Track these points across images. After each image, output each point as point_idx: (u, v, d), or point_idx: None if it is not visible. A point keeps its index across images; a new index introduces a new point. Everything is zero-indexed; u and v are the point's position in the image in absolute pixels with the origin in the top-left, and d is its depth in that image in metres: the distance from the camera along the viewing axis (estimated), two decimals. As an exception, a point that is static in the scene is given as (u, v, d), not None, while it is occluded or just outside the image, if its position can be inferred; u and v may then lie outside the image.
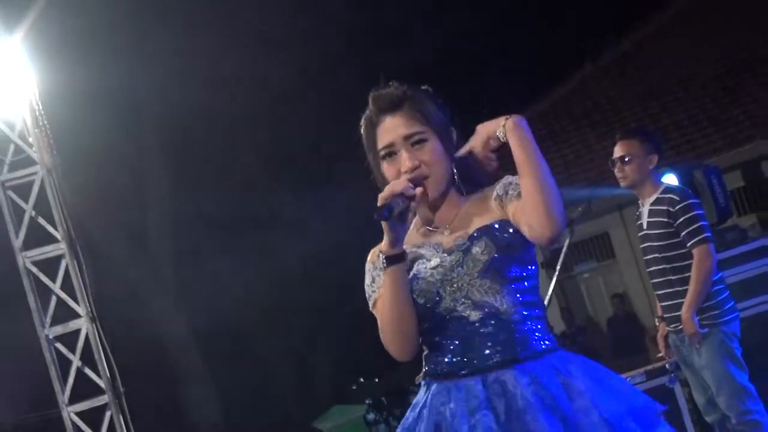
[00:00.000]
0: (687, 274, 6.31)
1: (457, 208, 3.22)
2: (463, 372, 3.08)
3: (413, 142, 3.10)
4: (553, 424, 2.93)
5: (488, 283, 3.08)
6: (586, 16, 25.77)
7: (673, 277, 6.39)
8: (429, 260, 3.14)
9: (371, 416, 18.50)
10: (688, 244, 6.26)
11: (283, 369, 22.86)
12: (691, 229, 6.25)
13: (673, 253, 6.37)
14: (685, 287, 6.30)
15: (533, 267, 3.17)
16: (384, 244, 3.07)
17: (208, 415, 21.34)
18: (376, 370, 22.97)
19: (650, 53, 20.55)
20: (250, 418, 20.29)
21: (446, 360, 3.12)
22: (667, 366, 7.34)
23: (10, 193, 8.45)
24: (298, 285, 22.29)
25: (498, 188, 3.13)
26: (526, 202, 3.02)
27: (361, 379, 24.42)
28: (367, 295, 3.24)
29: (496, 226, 3.11)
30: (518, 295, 3.11)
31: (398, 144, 3.11)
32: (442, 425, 3.05)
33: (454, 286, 3.09)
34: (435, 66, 24.06)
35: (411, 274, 3.14)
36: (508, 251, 3.09)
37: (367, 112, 3.21)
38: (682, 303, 6.30)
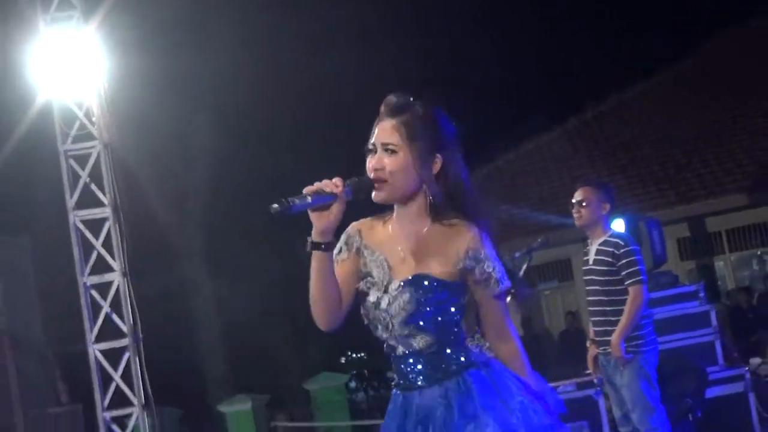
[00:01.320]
0: (621, 307, 6.42)
1: (420, 228, 3.11)
2: (413, 389, 3.13)
3: (386, 149, 3.03)
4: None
5: (407, 330, 3.05)
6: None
7: (608, 308, 6.49)
8: (374, 287, 3.09)
9: (353, 384, 18.54)
10: (626, 283, 6.40)
11: (286, 337, 22.75)
12: (630, 270, 6.39)
13: (612, 288, 6.48)
14: (617, 317, 6.41)
15: (455, 309, 3.05)
16: (314, 230, 2.97)
17: (216, 367, 21.20)
18: (363, 347, 23.03)
19: (629, 113, 20.60)
20: (252, 375, 20.18)
21: (398, 378, 3.18)
22: (594, 381, 7.41)
23: (71, 162, 8.52)
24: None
25: (468, 260, 3.01)
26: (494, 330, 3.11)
27: (350, 353, 24.45)
28: None
29: (434, 284, 3.03)
30: (436, 333, 3.06)
31: (378, 145, 3.05)
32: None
33: (383, 327, 3.09)
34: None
35: (360, 284, 3.10)
36: (434, 304, 3.03)
37: (381, 108, 3.15)
38: (612, 330, 6.40)
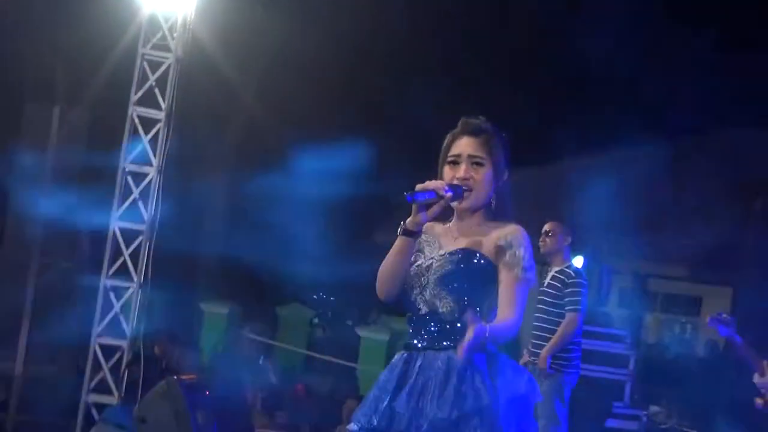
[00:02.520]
0: (557, 328, 6.44)
1: (477, 226, 3.19)
2: (417, 348, 3.17)
3: (473, 162, 3.15)
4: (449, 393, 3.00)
5: (439, 290, 3.10)
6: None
7: (547, 326, 6.56)
8: (421, 257, 3.18)
9: (316, 320, 18.49)
10: (566, 308, 6.42)
11: (272, 264, 22.45)
12: (572, 299, 6.47)
13: (555, 310, 6.55)
14: (551, 336, 6.44)
15: (483, 291, 3.11)
16: (409, 219, 3.08)
17: (214, 269, 20.89)
18: (335, 293, 22.93)
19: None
20: (239, 286, 19.96)
21: (410, 335, 3.22)
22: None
23: (144, 64, 8.44)
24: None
25: (504, 241, 3.08)
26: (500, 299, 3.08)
27: (322, 294, 24.39)
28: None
29: (481, 260, 3.10)
30: (454, 303, 3.09)
31: (463, 158, 3.17)
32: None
33: (423, 282, 3.14)
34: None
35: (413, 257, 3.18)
36: (461, 277, 3.09)
37: (455, 129, 3.25)
38: (544, 344, 6.45)
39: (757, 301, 6.63)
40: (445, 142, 3.26)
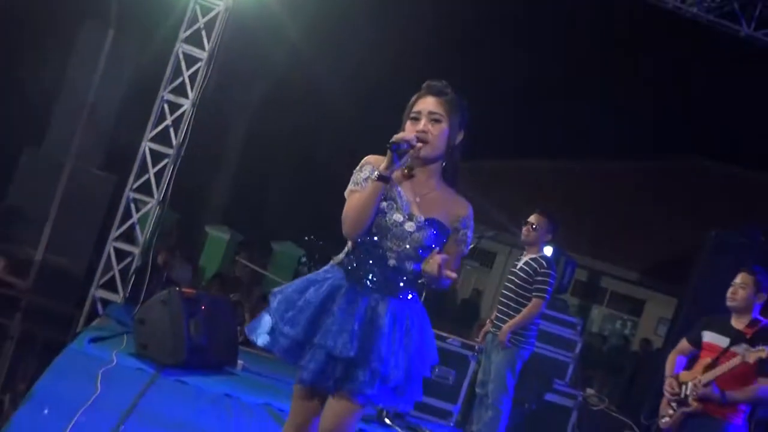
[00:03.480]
0: (521, 308, 6.48)
1: (432, 184, 3.25)
2: (368, 287, 3.19)
3: (432, 118, 3.18)
4: (390, 329, 3.13)
5: (411, 253, 3.17)
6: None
7: (512, 304, 6.56)
8: (394, 211, 3.17)
9: (304, 260, 18.50)
10: (532, 293, 6.43)
11: (288, 204, 22.29)
12: (539, 286, 6.48)
13: (522, 292, 6.56)
14: (515, 314, 6.48)
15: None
16: (383, 166, 3.07)
17: (225, 196, 20.82)
18: (326, 238, 22.94)
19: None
20: (246, 217, 19.82)
21: (362, 273, 3.20)
22: (476, 347, 7.46)
23: (197, 6, 8.35)
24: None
25: (460, 223, 3.26)
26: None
27: (312, 237, 24.35)
28: (352, 182, 3.22)
29: (446, 230, 3.23)
30: (416, 266, 3.18)
31: (423, 114, 3.19)
32: (329, 298, 3.17)
33: (395, 242, 3.17)
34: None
35: (382, 203, 3.16)
36: (437, 244, 3.19)
37: (421, 89, 3.27)
38: (507, 320, 6.45)
39: (698, 315, 6.62)
40: (411, 100, 3.28)
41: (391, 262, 3.16)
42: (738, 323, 5.30)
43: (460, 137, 3.25)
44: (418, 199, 3.20)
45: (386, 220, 3.14)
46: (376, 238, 3.17)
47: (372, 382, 3.05)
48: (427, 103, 3.21)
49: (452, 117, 3.20)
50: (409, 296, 3.22)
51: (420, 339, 3.19)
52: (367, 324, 3.10)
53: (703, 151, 20.82)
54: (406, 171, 3.23)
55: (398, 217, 3.15)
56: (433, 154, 3.19)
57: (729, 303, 5.35)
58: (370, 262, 3.18)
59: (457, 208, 3.25)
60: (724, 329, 5.34)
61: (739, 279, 5.36)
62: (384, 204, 3.15)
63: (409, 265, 3.17)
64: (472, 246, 3.30)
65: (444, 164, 3.26)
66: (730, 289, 5.35)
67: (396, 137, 3.06)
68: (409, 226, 3.14)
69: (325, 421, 3.16)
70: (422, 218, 3.16)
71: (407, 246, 3.14)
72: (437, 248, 3.15)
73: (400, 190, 3.19)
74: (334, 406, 3.13)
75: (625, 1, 9.62)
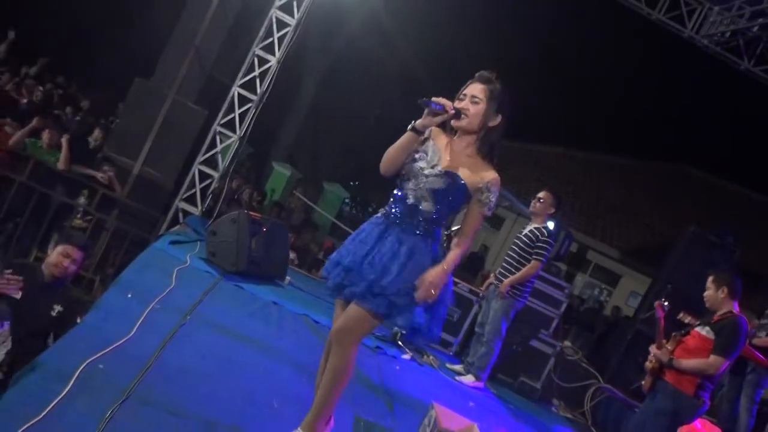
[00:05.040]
0: (521, 267, 6.46)
1: (469, 151, 3.30)
2: (393, 221, 3.30)
3: (473, 101, 3.26)
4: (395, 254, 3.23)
5: (428, 195, 3.23)
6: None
7: (514, 263, 6.56)
8: (422, 161, 3.27)
9: (347, 200, 18.58)
10: (532, 256, 6.41)
11: (330, 151, 22.22)
12: (538, 251, 6.45)
13: (523, 254, 6.55)
14: (515, 271, 6.47)
15: (449, 211, 3.27)
16: (419, 120, 3.20)
17: (296, 139, 20.64)
18: (367, 187, 22.97)
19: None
20: (307, 158, 19.75)
21: (391, 209, 3.33)
22: (480, 294, 7.46)
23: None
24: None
25: (483, 188, 3.23)
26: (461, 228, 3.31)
27: (357, 182, 24.41)
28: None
29: (461, 183, 3.23)
30: (433, 208, 3.23)
31: (468, 96, 3.29)
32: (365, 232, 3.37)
33: (414, 183, 3.27)
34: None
35: (415, 153, 3.29)
36: (446, 197, 3.23)
37: (474, 76, 3.33)
38: (508, 275, 6.45)
39: (668, 294, 6.56)
40: (465, 84, 3.34)
41: (410, 200, 3.25)
42: (716, 315, 5.26)
43: (495, 120, 3.28)
44: (448, 157, 3.28)
45: (413, 166, 3.26)
46: (404, 180, 3.29)
47: (368, 291, 3.17)
48: (473, 89, 3.28)
49: (490, 103, 3.25)
50: (419, 232, 3.24)
51: (414, 269, 3.20)
52: (380, 248, 3.24)
53: (689, 161, 20.58)
54: (451, 135, 3.33)
55: (423, 164, 3.26)
56: (468, 127, 3.26)
57: (706, 304, 5.35)
58: (397, 199, 3.30)
59: (482, 173, 3.24)
60: (704, 317, 5.35)
61: (707, 283, 5.35)
62: (417, 154, 3.27)
63: (425, 206, 3.23)
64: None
65: (481, 138, 3.29)
66: (706, 294, 5.34)
67: (434, 99, 3.19)
68: (428, 172, 3.23)
69: (337, 321, 3.33)
70: (441, 169, 3.23)
71: (421, 187, 3.23)
72: (455, 201, 3.23)
73: (435, 146, 3.30)
74: (346, 310, 3.28)
75: (645, 24, 9.36)
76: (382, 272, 3.15)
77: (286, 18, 8.28)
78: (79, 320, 4.76)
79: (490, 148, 3.29)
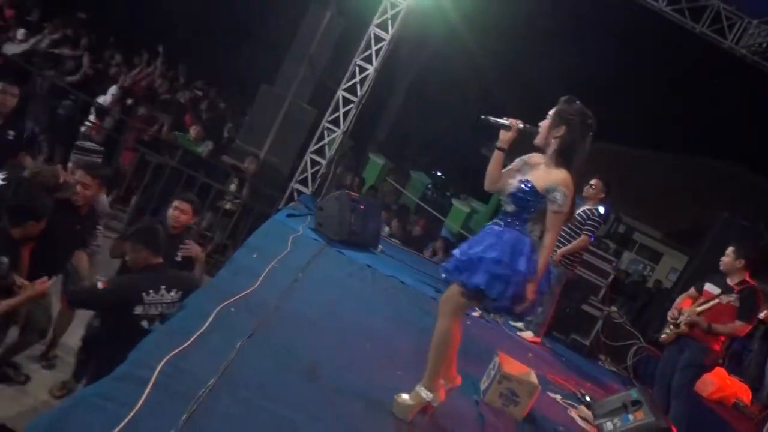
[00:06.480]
0: (572, 240, 6.31)
1: (545, 160, 3.19)
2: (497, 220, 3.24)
3: (545, 119, 3.19)
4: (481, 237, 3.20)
5: (508, 199, 3.19)
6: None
7: (567, 237, 6.41)
8: (518, 174, 3.21)
9: (429, 186, 18.39)
10: (583, 231, 6.26)
11: (420, 143, 21.88)
12: (588, 227, 6.28)
13: (576, 229, 6.39)
14: (568, 243, 6.31)
15: (526, 210, 3.13)
16: (500, 139, 3.20)
17: (388, 130, 20.60)
18: (448, 181, 22.58)
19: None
20: (389, 152, 19.61)
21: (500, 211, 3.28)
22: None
23: (388, 3, 8.22)
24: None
25: (549, 189, 3.09)
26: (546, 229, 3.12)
27: (441, 174, 24.05)
28: None
29: (529, 186, 3.13)
30: (515, 209, 3.15)
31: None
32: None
33: (505, 191, 3.23)
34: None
35: (519, 170, 3.25)
36: (520, 198, 3.13)
37: None
38: (561, 247, 6.34)
39: (702, 271, 6.33)
40: None
41: (503, 204, 3.22)
42: (730, 281, 5.17)
43: (559, 131, 3.12)
44: (531, 168, 3.21)
45: (507, 180, 3.21)
46: (501, 190, 3.25)
47: (455, 268, 3.14)
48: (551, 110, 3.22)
49: (555, 118, 3.15)
50: (508, 226, 3.16)
51: (497, 246, 3.09)
52: (476, 236, 3.23)
53: (724, 156, 19.52)
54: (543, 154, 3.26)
55: (514, 180, 3.20)
56: (539, 140, 3.18)
57: (721, 267, 5.23)
58: (499, 206, 3.31)
59: (551, 178, 3.10)
60: (719, 283, 5.24)
61: (727, 251, 5.26)
62: (517, 173, 3.23)
63: (510, 208, 3.16)
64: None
65: (552, 148, 3.18)
66: (723, 259, 5.26)
67: (509, 118, 3.20)
68: (511, 182, 3.17)
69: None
70: (522, 178, 3.16)
71: (505, 194, 3.18)
72: (528, 200, 3.11)
73: (526, 163, 3.25)
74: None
75: (686, 37, 8.92)
76: (468, 248, 3.13)
77: (382, 34, 8.26)
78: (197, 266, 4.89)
79: (560, 153, 3.13)
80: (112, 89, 9.22)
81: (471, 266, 3.05)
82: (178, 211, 4.98)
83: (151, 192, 7.94)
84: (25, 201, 3.99)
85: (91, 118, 8.66)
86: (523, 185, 3.13)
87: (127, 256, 4.20)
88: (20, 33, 9.52)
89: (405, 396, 3.24)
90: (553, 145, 3.15)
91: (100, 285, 3.74)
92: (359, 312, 4.64)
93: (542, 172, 3.15)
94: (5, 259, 3.64)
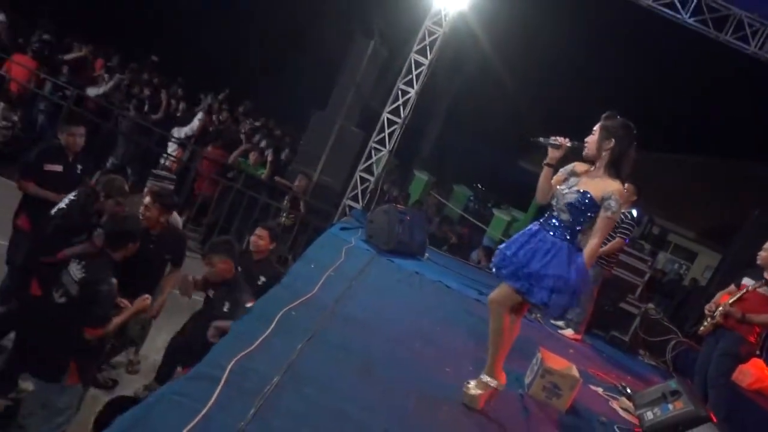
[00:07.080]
0: (608, 242, 6.14)
1: (598, 172, 3.17)
2: (546, 228, 3.21)
3: (591, 134, 3.20)
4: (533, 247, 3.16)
5: (565, 208, 3.15)
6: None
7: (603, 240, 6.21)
8: (566, 185, 3.20)
9: (471, 198, 18.23)
10: (617, 234, 6.10)
11: (463, 161, 21.76)
12: (623, 230, 6.11)
13: (611, 233, 6.19)
14: (603, 247, 6.17)
15: (582, 219, 3.13)
16: (548, 156, 3.20)
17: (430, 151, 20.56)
18: (490, 193, 22.24)
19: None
20: (433, 169, 19.53)
21: (546, 219, 3.25)
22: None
23: (426, 31, 8.26)
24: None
25: (605, 197, 3.08)
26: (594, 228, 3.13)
27: (481, 186, 23.76)
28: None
29: (588, 196, 3.11)
30: (570, 218, 3.13)
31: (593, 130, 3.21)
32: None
33: (558, 201, 3.21)
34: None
35: (566, 180, 3.24)
36: (577, 208, 3.11)
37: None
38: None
39: (736, 268, 6.10)
40: None
41: (555, 213, 3.19)
42: (766, 274, 4.99)
43: (609, 144, 3.12)
44: (584, 180, 3.19)
45: (558, 190, 3.21)
46: (553, 200, 3.23)
47: (513, 274, 3.13)
48: (596, 124, 3.20)
49: (602, 132, 3.14)
50: (560, 237, 3.14)
51: (552, 263, 3.08)
52: (530, 245, 3.17)
53: (753, 158, 18.76)
54: (590, 165, 3.24)
55: (564, 188, 3.20)
56: (589, 153, 3.18)
57: (758, 261, 5.03)
58: (549, 213, 3.26)
59: (605, 187, 3.10)
60: (756, 277, 5.05)
61: (764, 245, 5.07)
62: (565, 183, 3.23)
63: (564, 216, 3.14)
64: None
65: (603, 160, 3.17)
66: (760, 253, 5.06)
67: (556, 137, 3.18)
68: (566, 192, 3.16)
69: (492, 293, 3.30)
70: (575, 188, 3.15)
71: (561, 202, 3.15)
72: (585, 210, 3.10)
73: (578, 175, 3.23)
74: (500, 286, 3.25)
75: (713, 45, 8.65)
76: (526, 262, 3.10)
77: (422, 59, 8.29)
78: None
79: (611, 165, 3.14)
80: (199, 116, 9.53)
81: (531, 280, 3.09)
82: (256, 237, 5.07)
83: (219, 211, 8.14)
84: (122, 225, 3.92)
85: (170, 150, 8.99)
86: (582, 197, 3.12)
87: (206, 271, 4.30)
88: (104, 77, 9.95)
89: (472, 383, 3.30)
90: (605, 157, 3.16)
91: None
92: (409, 314, 4.64)
93: (598, 183, 3.15)
94: (114, 281, 3.68)
